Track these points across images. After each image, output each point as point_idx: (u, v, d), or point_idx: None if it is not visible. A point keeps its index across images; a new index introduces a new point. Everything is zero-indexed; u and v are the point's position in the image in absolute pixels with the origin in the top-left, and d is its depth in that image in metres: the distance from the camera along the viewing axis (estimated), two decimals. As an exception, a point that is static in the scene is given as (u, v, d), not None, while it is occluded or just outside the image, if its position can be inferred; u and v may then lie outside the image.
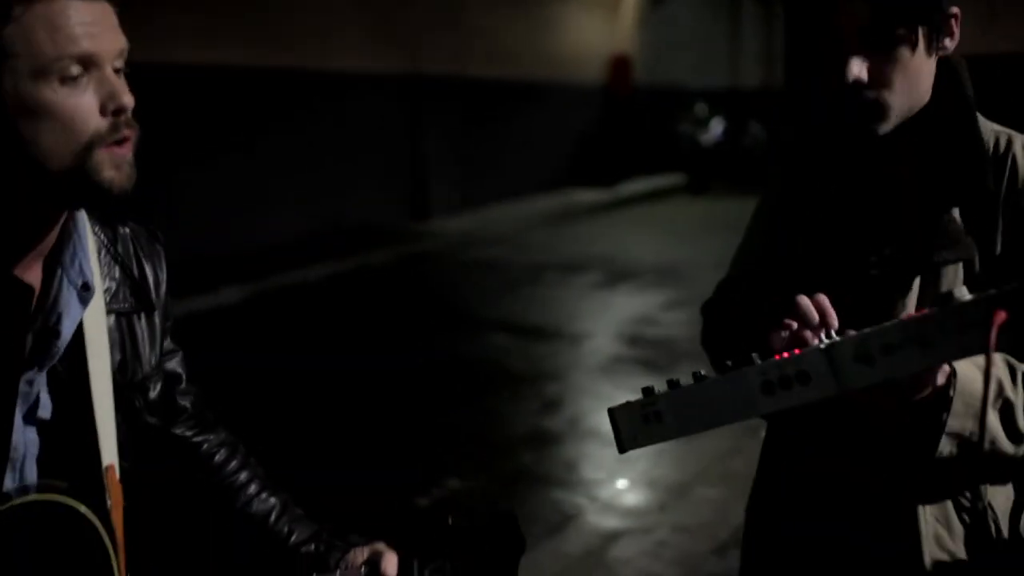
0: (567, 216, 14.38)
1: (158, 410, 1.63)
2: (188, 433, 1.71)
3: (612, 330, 7.97)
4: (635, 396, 1.44)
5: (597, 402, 6.10)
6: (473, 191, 13.91)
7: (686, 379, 1.40)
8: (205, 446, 1.72)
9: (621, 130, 17.51)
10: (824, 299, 1.47)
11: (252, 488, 1.70)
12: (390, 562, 1.60)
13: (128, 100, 1.37)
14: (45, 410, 1.50)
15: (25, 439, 1.49)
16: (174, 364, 1.70)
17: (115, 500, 1.51)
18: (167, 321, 1.66)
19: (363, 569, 1.60)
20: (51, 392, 1.50)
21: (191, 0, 9.71)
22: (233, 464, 1.72)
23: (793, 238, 1.74)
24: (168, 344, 1.67)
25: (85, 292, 1.49)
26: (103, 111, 1.35)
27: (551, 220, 13.99)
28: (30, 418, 1.48)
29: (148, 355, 1.60)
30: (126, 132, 1.37)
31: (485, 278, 10.27)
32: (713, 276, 2.04)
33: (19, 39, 1.31)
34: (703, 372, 1.40)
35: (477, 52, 14.18)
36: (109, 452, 1.52)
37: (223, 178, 10.22)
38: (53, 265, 1.48)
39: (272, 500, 1.70)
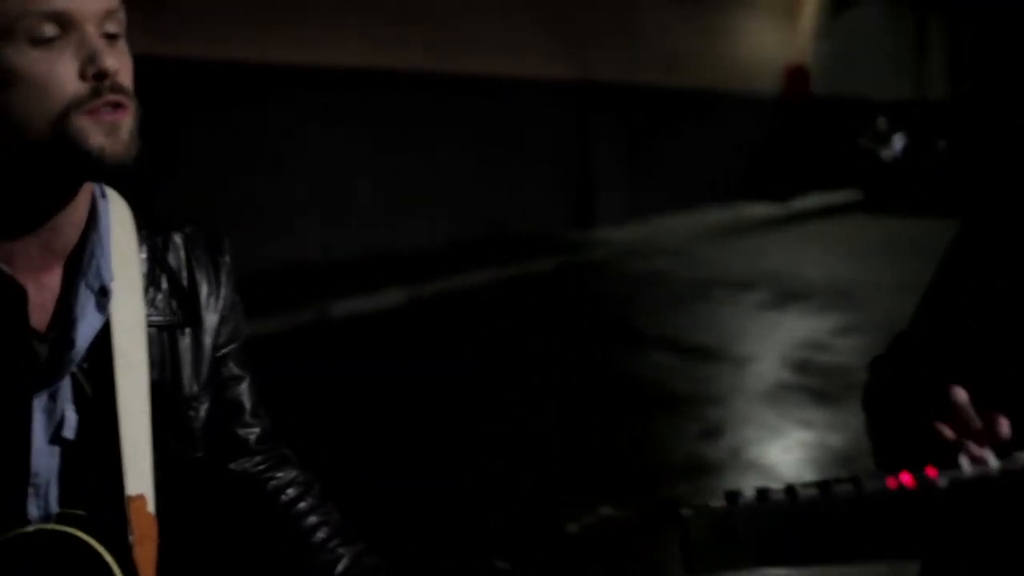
0: (737, 230, 13.97)
1: (203, 441, 1.45)
2: (253, 470, 1.53)
3: (779, 354, 7.61)
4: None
5: (761, 432, 5.79)
6: (640, 200, 13.66)
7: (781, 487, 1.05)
8: (272, 484, 1.53)
9: (796, 143, 16.95)
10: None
11: (320, 534, 1.51)
12: None
13: (111, 63, 1.23)
14: (70, 429, 1.36)
15: (50, 461, 1.35)
16: (237, 392, 1.52)
17: (142, 534, 1.36)
18: (230, 344, 1.49)
19: None
20: (77, 409, 1.36)
21: (366, 5, 9.79)
22: (302, 505, 1.53)
23: (981, 293, 1.38)
24: (232, 369, 1.51)
25: (103, 297, 1.36)
26: (82, 75, 1.22)
27: (720, 234, 13.62)
28: (56, 437, 1.35)
29: (190, 376, 1.44)
30: (111, 97, 1.23)
31: (649, 291, 10.02)
32: (890, 302, 1.75)
33: None
34: (796, 485, 1.03)
35: (649, 59, 13.93)
36: (139, 480, 1.38)
37: (392, 179, 10.28)
38: (74, 269, 1.36)
39: (341, 551, 1.50)
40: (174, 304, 1.44)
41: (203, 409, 1.45)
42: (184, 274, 1.45)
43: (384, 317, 8.57)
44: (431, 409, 6.17)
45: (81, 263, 1.36)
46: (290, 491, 1.53)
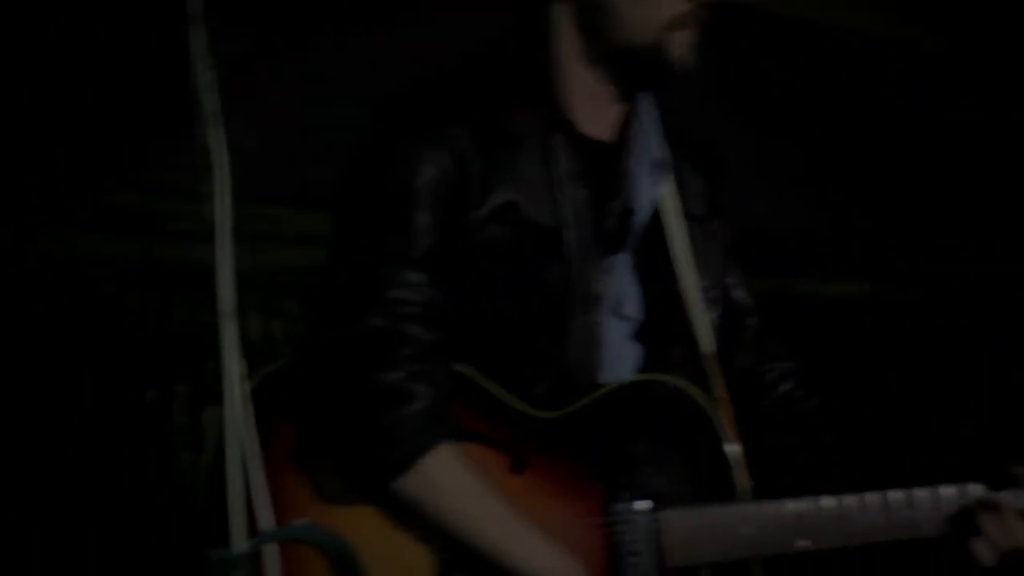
0: None
1: (718, 330, 1.52)
2: (755, 367, 1.62)
3: None
4: None
5: None
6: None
7: None
8: (768, 376, 1.63)
9: None
10: None
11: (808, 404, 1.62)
12: None
13: None
14: (631, 305, 1.43)
15: (615, 334, 1.42)
16: (741, 294, 1.61)
17: (721, 393, 1.42)
18: (731, 247, 1.58)
19: None
20: (640, 280, 1.44)
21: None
22: (795, 392, 1.63)
23: None
24: (734, 270, 1.60)
25: (657, 169, 1.44)
26: None
27: None
28: (617, 311, 1.43)
29: (713, 269, 1.53)
30: (701, 21, 1.38)
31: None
32: None
33: None
34: None
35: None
36: (706, 341, 1.44)
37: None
38: (620, 147, 1.45)
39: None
40: (693, 199, 1.52)
41: (718, 305, 1.54)
42: (695, 175, 1.54)
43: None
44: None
45: (627, 140, 1.44)
46: (785, 384, 1.63)
